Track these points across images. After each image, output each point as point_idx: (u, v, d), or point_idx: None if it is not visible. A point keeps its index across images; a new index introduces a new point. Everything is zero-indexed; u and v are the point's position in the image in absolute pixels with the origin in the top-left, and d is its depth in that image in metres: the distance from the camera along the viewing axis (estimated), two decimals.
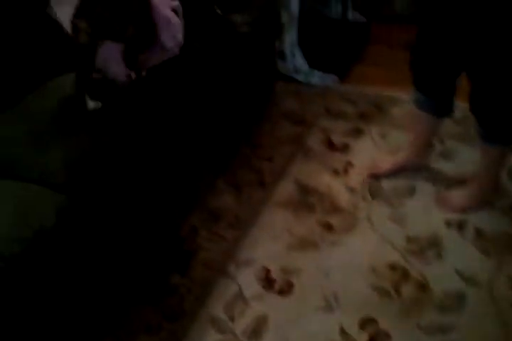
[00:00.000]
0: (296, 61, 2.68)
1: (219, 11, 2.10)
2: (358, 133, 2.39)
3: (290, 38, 2.60)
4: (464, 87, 1.82)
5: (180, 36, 1.79)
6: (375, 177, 2.16)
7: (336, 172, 2.20)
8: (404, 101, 2.50)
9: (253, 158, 2.29)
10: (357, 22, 3.02)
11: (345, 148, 2.31)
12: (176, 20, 1.76)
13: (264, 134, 2.40)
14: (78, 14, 1.61)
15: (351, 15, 3.01)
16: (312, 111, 2.53)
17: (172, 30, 1.75)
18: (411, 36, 1.91)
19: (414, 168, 2.15)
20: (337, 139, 2.36)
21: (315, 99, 2.61)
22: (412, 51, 1.92)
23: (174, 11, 1.76)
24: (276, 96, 2.62)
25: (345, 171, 2.20)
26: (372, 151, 2.30)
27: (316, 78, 2.70)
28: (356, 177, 2.18)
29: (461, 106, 2.00)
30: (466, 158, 2.19)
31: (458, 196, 2.02)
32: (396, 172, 2.15)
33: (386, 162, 2.19)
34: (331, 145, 2.33)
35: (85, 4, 1.60)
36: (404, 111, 2.46)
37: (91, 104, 1.69)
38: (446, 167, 2.18)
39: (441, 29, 1.77)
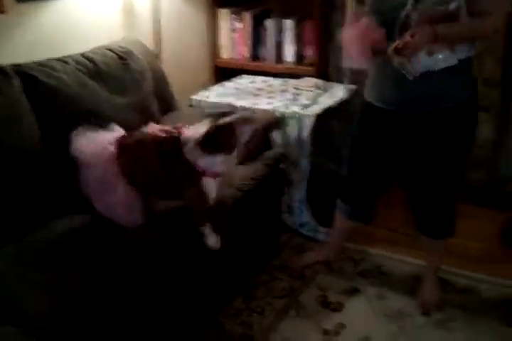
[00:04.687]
0: (304, 217, 2.76)
1: None
2: (354, 292, 2.38)
3: (299, 195, 2.72)
4: None
5: None
6: (298, 269, 2.52)
7: (326, 333, 2.15)
8: (406, 263, 2.55)
9: (245, 309, 2.28)
10: None
11: (339, 308, 2.28)
12: None
13: (260, 286, 2.41)
14: None
15: None
16: (313, 267, 2.55)
17: None
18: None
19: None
20: (333, 297, 2.34)
21: None
22: (347, 174, 2.35)
23: None
24: (280, 248, 2.67)
25: (337, 332, 2.15)
26: (367, 313, 2.26)
27: (322, 234, 2.75)
28: (347, 339, 2.11)
29: None
30: None
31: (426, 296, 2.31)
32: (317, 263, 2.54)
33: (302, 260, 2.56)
34: (325, 303, 2.31)
35: None
36: (405, 274, 2.48)
37: None
38: None
39: (374, 154, 2.18)
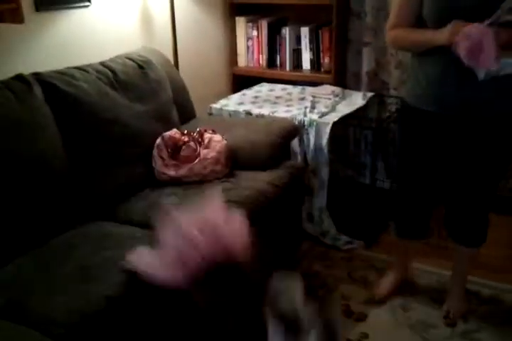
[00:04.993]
0: (324, 225, 2.73)
1: None
2: (378, 302, 2.34)
3: (319, 203, 2.70)
4: None
5: None
6: (380, 301, 2.33)
7: None
8: (431, 273, 2.52)
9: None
10: (387, 189, 3.11)
11: (362, 318, 2.25)
12: None
13: None
14: None
15: (386, 183, 3.13)
16: (335, 276, 2.52)
17: None
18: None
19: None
20: (356, 307, 2.31)
21: (340, 263, 2.62)
22: (396, 194, 2.28)
23: None
24: (301, 257, 2.65)
25: None
26: (390, 323, 2.22)
27: (343, 242, 2.73)
28: None
29: None
30: None
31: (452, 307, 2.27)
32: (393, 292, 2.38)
33: (383, 287, 2.40)
34: (348, 312, 2.28)
35: None
36: (430, 285, 2.45)
37: None
38: None
39: (422, 171, 2.09)
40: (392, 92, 3.15)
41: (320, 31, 3.14)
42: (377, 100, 3.12)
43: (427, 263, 2.57)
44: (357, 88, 3.20)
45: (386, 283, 2.41)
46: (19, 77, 2.03)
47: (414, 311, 2.29)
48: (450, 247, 2.30)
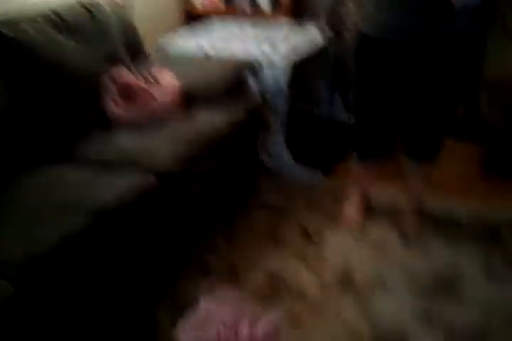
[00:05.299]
0: (282, 157, 2.80)
1: None
2: (335, 225, 2.43)
3: (277, 136, 2.75)
4: None
5: None
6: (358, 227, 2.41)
7: (308, 265, 2.19)
8: (388, 195, 2.61)
9: (226, 246, 2.32)
10: (345, 123, 3.13)
11: (320, 241, 2.34)
12: None
13: (240, 224, 2.45)
14: None
15: (343, 116, 3.18)
16: (292, 204, 2.60)
17: None
18: None
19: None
20: (313, 231, 2.39)
21: (297, 192, 2.69)
22: (354, 127, 2.35)
23: None
24: (259, 189, 2.72)
25: (319, 264, 2.20)
26: (349, 246, 2.31)
27: (300, 172, 2.79)
28: (328, 269, 2.17)
29: None
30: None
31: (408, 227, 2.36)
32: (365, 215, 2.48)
33: (352, 215, 2.46)
34: (306, 236, 2.36)
35: None
36: (387, 207, 2.54)
37: None
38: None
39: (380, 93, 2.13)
40: (351, 28, 3.14)
41: None
42: (336, 36, 3.12)
43: (380, 186, 2.61)
44: (316, 25, 3.18)
45: (353, 211, 2.48)
46: None
47: (372, 233, 2.38)
48: (403, 164, 2.34)
